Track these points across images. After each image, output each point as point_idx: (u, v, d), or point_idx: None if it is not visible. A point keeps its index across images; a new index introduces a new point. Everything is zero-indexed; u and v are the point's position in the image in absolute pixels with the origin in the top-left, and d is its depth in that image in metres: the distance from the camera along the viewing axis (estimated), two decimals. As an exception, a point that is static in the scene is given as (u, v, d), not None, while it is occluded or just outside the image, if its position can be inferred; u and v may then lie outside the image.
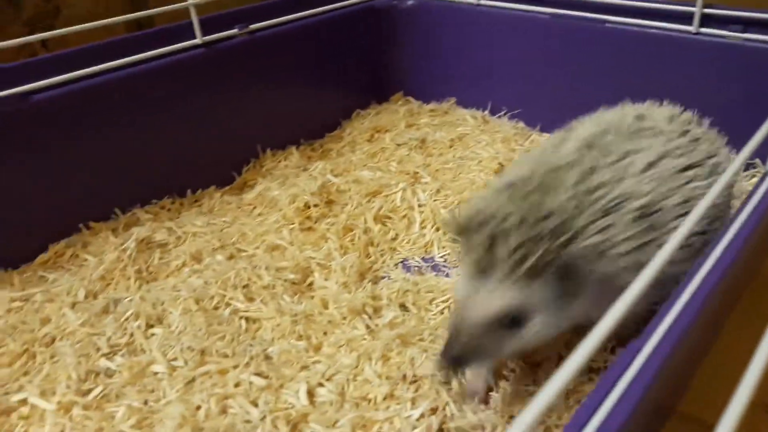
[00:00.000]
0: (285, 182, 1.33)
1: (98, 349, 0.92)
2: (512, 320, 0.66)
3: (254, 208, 1.28)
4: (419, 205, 1.25)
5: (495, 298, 0.65)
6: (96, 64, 1.17)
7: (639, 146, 0.76)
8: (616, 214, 0.66)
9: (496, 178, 0.83)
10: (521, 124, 1.58)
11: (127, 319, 0.97)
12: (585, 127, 0.85)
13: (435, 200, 1.26)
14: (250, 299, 1.00)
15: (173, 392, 0.84)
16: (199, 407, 0.81)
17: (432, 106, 1.69)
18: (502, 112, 1.62)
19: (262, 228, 1.19)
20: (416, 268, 1.12)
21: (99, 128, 1.20)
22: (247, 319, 0.97)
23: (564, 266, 0.63)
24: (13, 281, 1.09)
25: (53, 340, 0.94)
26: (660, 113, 0.90)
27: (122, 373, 0.88)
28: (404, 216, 1.23)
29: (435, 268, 1.13)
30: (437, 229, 1.20)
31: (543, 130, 1.54)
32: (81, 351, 0.91)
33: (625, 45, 1.36)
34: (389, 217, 1.23)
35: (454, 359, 0.67)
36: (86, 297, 1.03)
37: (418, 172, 1.35)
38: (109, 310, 1.00)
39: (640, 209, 0.67)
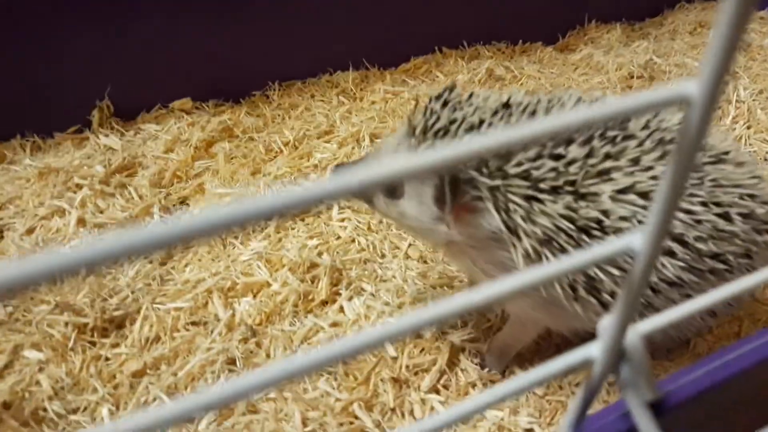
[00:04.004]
0: (610, 51, 1.46)
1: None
2: (390, 187, 0.65)
3: (577, 68, 1.43)
4: (737, 101, 1.32)
5: (387, 159, 0.64)
6: None
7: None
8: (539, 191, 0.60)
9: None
10: None
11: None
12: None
13: (754, 100, 1.32)
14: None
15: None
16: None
17: (763, 13, 1.67)
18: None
19: (586, 85, 1.35)
20: (720, 156, 1.22)
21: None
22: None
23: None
24: (385, 79, 1.38)
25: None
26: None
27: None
28: (719, 107, 1.31)
29: (739, 159, 1.22)
30: (748, 127, 1.28)
31: None
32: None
33: None
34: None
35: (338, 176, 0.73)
36: (444, 103, 1.29)
37: (737, 72, 1.40)
38: (460, 117, 1.25)
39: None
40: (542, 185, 0.60)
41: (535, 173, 0.60)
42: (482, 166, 0.60)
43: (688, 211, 0.62)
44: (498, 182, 0.60)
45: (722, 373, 0.37)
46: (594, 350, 0.35)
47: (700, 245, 0.62)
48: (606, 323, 0.34)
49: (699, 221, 0.62)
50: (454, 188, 0.61)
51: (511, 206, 0.60)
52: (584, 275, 0.62)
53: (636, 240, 0.29)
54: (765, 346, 0.39)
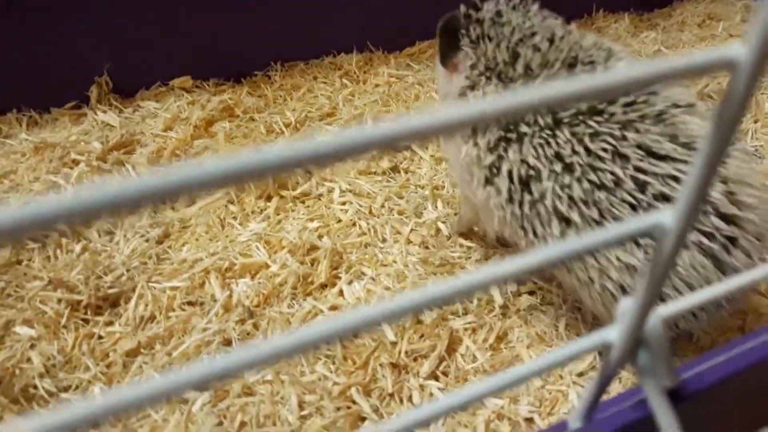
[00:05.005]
0: (617, 41, 1.44)
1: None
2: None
3: (584, 57, 1.41)
4: (745, 94, 1.30)
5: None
6: None
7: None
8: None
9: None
10: None
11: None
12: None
13: (762, 93, 1.30)
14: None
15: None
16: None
17: (772, 6, 1.65)
18: None
19: (593, 74, 1.33)
20: (726, 149, 1.20)
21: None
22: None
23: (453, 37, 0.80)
24: (389, 62, 1.35)
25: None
26: None
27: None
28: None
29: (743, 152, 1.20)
30: (755, 121, 1.26)
31: None
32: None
33: None
34: (711, 97, 1.30)
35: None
36: (448, 88, 1.27)
37: (746, 65, 1.38)
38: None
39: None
40: (513, 70, 0.73)
41: (516, 63, 0.73)
42: (476, 38, 0.77)
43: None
44: (482, 64, 0.76)
45: (746, 360, 0.36)
46: (612, 334, 0.33)
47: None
48: (626, 306, 0.32)
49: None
50: (449, 48, 0.80)
51: (484, 75, 0.75)
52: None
53: (666, 216, 0.28)
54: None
